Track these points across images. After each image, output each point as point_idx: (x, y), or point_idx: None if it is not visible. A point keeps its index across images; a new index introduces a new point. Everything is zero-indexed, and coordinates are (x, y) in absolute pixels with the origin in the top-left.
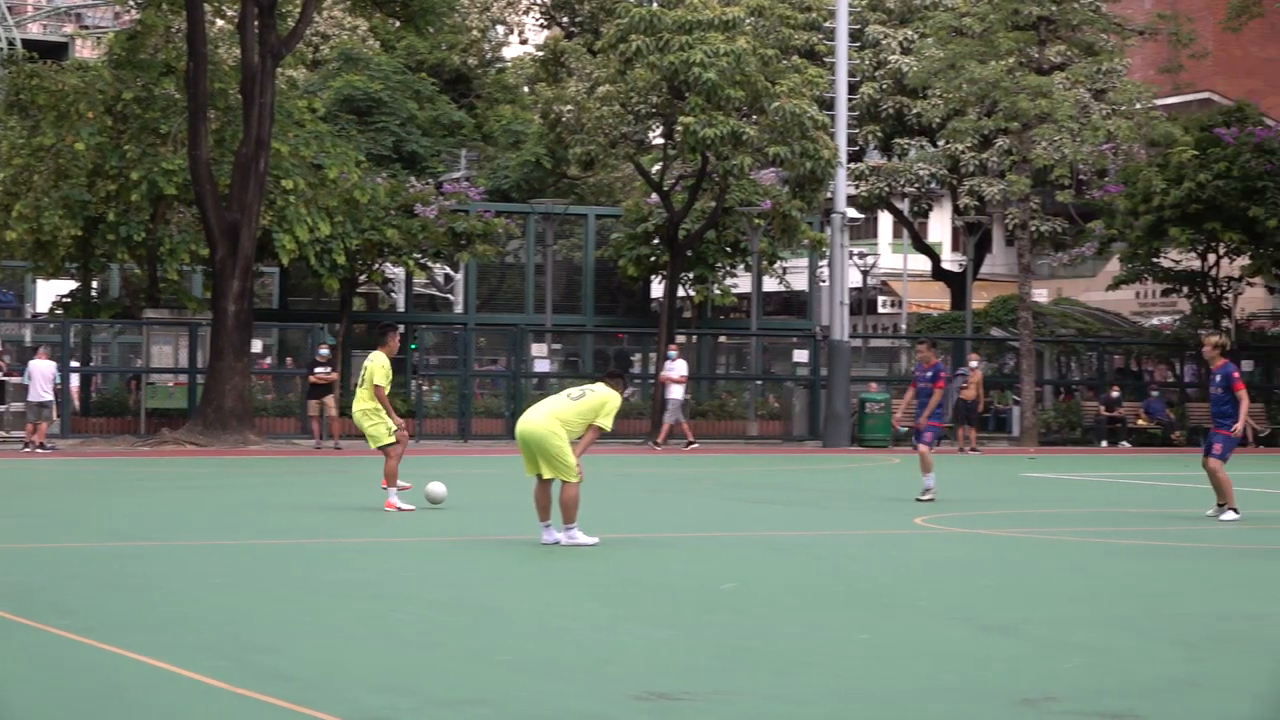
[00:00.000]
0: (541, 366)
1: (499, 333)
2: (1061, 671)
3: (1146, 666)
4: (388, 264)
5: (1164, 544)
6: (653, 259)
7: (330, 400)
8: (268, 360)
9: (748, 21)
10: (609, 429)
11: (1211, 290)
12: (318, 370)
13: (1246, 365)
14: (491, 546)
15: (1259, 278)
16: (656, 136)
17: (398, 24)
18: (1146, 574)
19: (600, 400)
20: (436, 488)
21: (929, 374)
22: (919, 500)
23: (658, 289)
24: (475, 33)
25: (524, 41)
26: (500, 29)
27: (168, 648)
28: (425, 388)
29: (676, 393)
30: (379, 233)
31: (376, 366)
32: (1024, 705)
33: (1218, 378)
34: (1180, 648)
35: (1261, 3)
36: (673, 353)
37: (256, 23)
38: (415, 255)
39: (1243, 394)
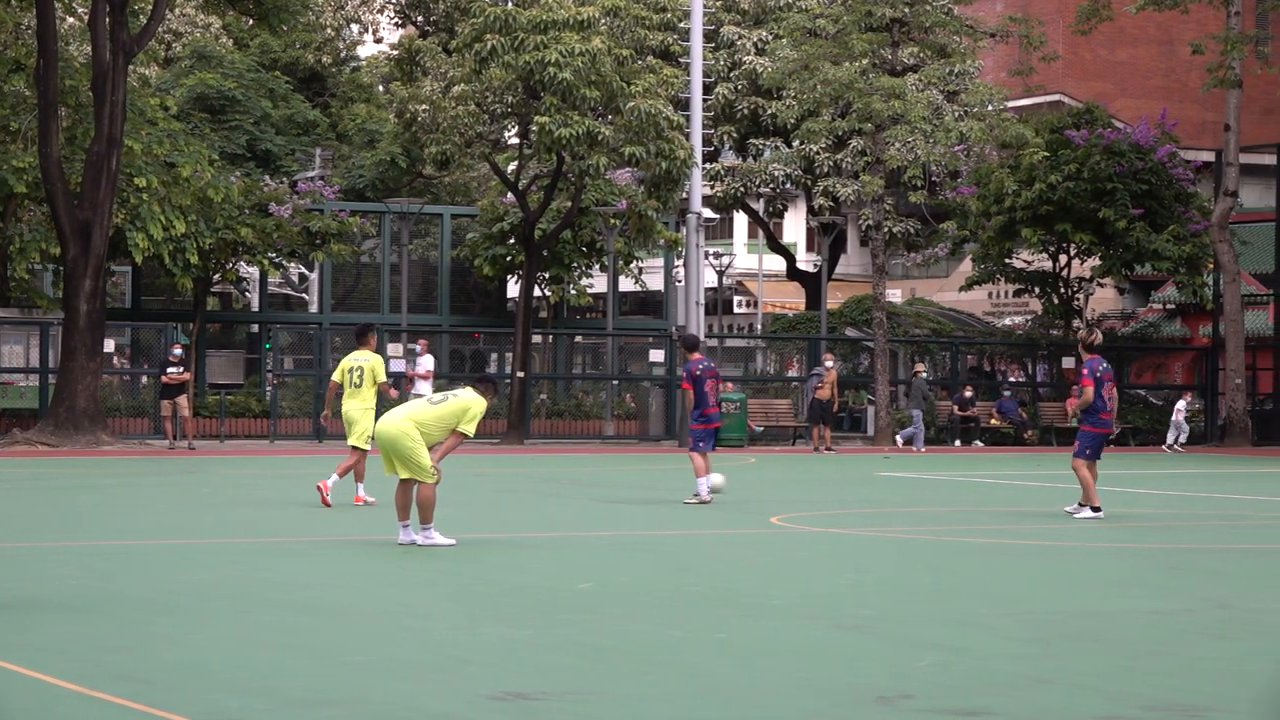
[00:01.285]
0: (396, 367)
1: (355, 333)
2: (916, 669)
3: (1000, 664)
4: (242, 263)
5: (1017, 542)
6: (509, 259)
7: (184, 400)
8: (118, 360)
9: (603, 21)
10: (471, 435)
11: (1063, 291)
12: (170, 370)
13: None
14: (348, 547)
15: (1109, 278)
16: (512, 136)
17: (251, 22)
18: (1000, 572)
19: (463, 406)
20: (718, 479)
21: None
22: (686, 503)
23: (514, 289)
24: (329, 31)
25: (379, 40)
26: (355, 27)
27: (17, 649)
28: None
29: (424, 389)
30: (233, 232)
31: (378, 364)
32: (880, 703)
33: (1084, 372)
34: (1033, 645)
35: (1111, 6)
36: (418, 347)
37: (108, 20)
38: (270, 254)
39: (1087, 389)
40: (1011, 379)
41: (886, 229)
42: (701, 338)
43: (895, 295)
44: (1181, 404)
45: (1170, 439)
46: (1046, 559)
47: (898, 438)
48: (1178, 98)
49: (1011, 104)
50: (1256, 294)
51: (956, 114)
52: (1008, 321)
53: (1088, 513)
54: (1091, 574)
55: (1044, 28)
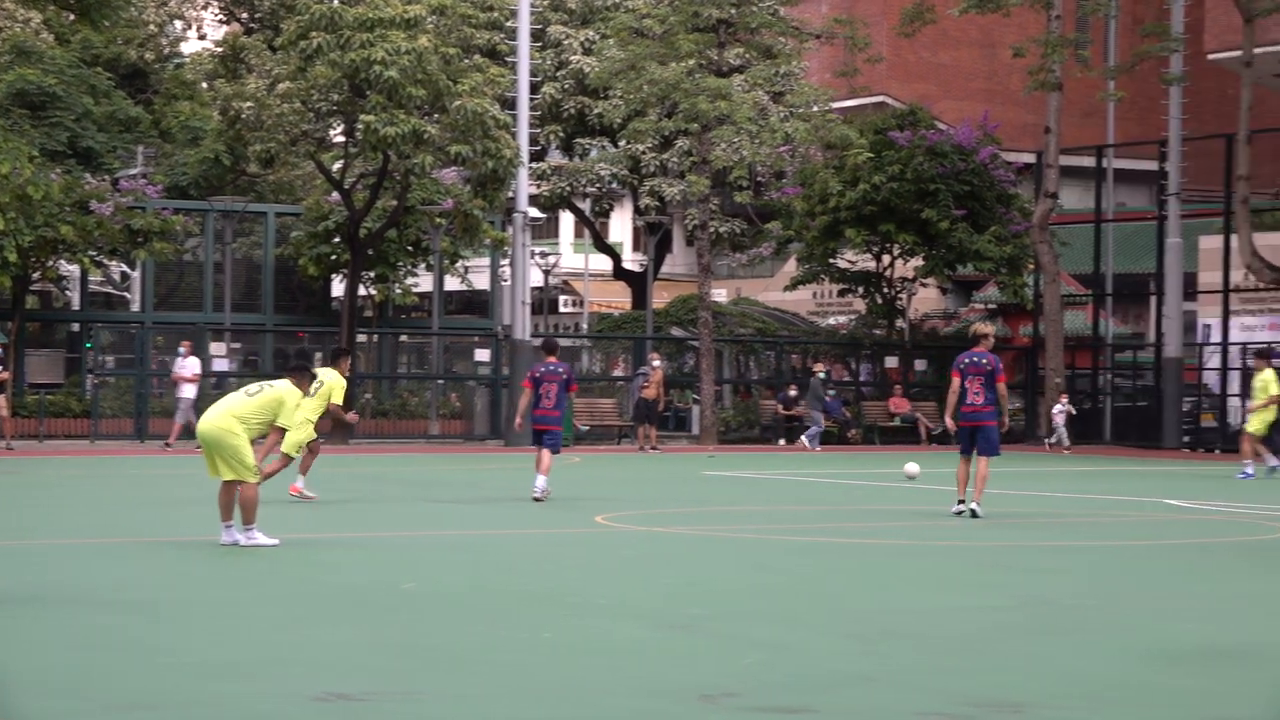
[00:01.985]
0: (220, 366)
1: (177, 331)
2: (739, 667)
3: (823, 661)
4: (62, 261)
5: (841, 541)
6: (333, 257)
7: (2, 400)
8: None
9: (429, 20)
10: (292, 427)
11: (886, 291)
12: None
13: (920, 365)
14: (170, 548)
15: (932, 278)
16: (337, 134)
17: (72, 17)
18: (823, 570)
19: (277, 396)
20: (912, 467)
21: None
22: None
23: (339, 288)
24: (152, 27)
25: (202, 37)
26: (178, 24)
27: None
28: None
29: (188, 392)
30: (53, 229)
31: (337, 386)
32: (703, 701)
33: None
34: (855, 642)
35: (934, 9)
36: (183, 349)
37: None
38: (91, 253)
39: (1001, 387)
40: (835, 378)
41: (712, 229)
42: (528, 337)
43: (721, 295)
44: (1058, 406)
45: (1053, 437)
46: (870, 557)
47: (804, 439)
48: (999, 100)
49: (836, 105)
50: (1076, 294)
51: (782, 115)
52: (831, 321)
53: (960, 506)
54: (914, 572)
55: (868, 30)
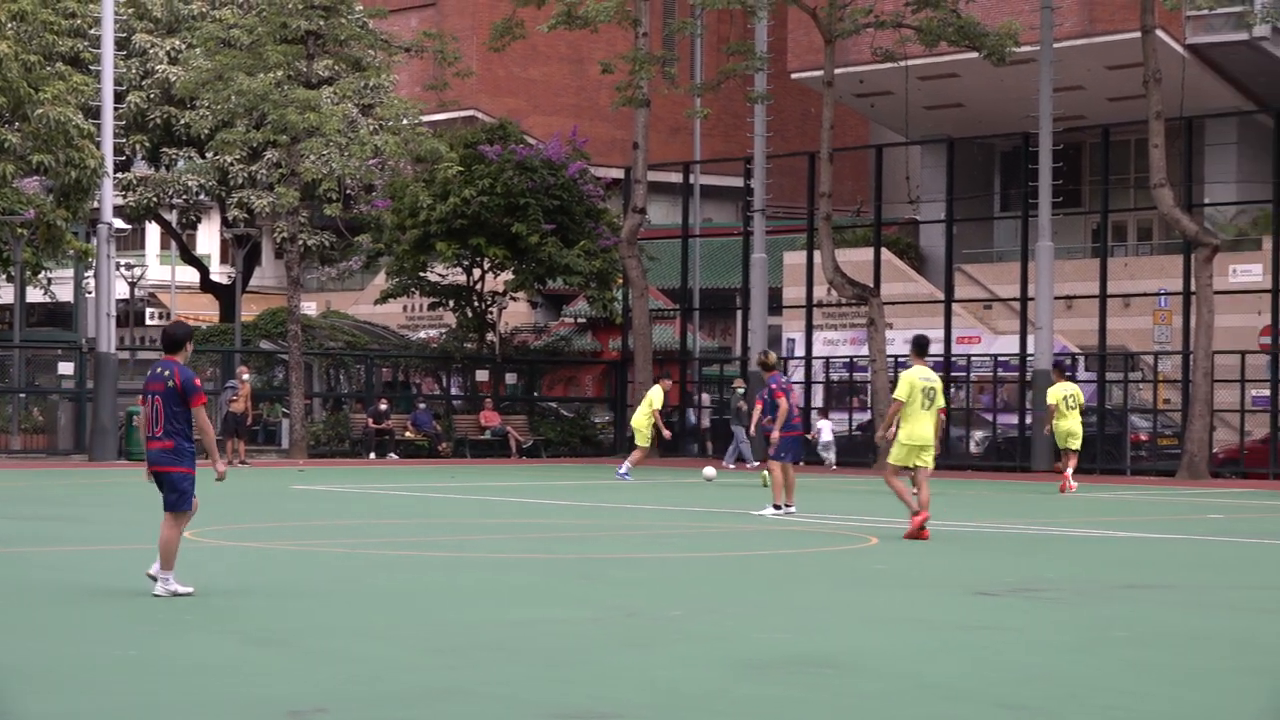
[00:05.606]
0: None
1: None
2: (330, 682)
3: (413, 675)
4: None
5: (430, 554)
6: None
7: None
8: None
9: (9, 26)
10: None
11: (476, 304)
12: None
13: (511, 379)
14: None
15: (522, 292)
16: None
17: None
18: (413, 584)
19: None
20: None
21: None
22: None
23: None
24: None
25: None
26: None
27: None
28: None
29: None
30: None
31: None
32: (292, 717)
33: (773, 388)
34: (446, 655)
35: (524, 24)
36: None
37: None
38: None
39: (780, 401)
40: (426, 392)
41: (301, 241)
42: (113, 349)
43: (310, 308)
44: (824, 423)
45: (828, 457)
46: (458, 570)
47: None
48: (588, 115)
49: (426, 118)
50: (664, 308)
51: (372, 127)
52: (422, 334)
53: (770, 510)
54: (502, 584)
55: (458, 44)
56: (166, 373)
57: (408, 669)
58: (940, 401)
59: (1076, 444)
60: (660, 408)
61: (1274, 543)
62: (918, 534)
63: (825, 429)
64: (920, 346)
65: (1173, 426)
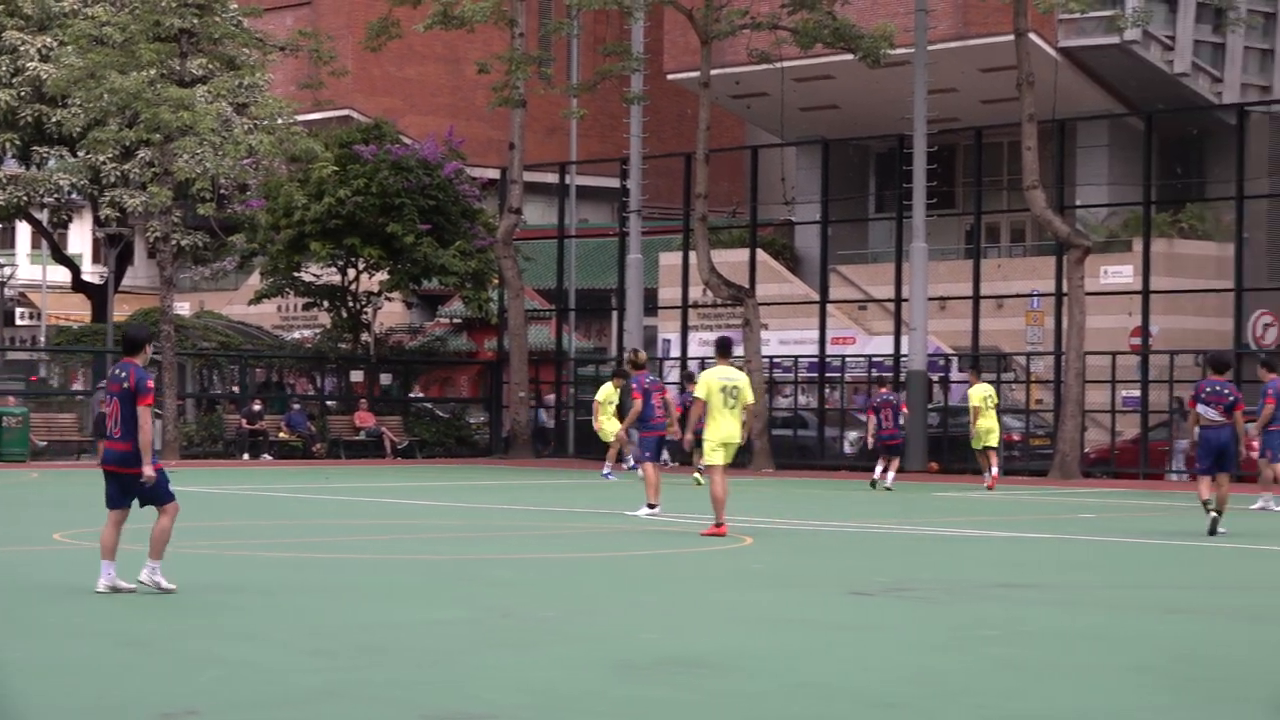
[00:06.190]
0: None
1: None
2: (200, 684)
3: (287, 677)
4: None
5: (306, 555)
6: None
7: None
8: None
9: None
10: None
11: (351, 304)
12: None
13: (386, 379)
14: None
15: (397, 292)
16: None
17: None
18: (289, 585)
19: None
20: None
21: None
22: None
23: None
24: None
25: None
26: None
27: None
28: None
29: None
30: None
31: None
32: (163, 719)
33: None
34: (321, 657)
35: (399, 24)
36: None
37: None
38: None
39: (636, 401)
40: (300, 392)
41: (175, 241)
42: None
43: (184, 308)
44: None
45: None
46: (334, 571)
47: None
48: (465, 115)
49: (301, 118)
50: (539, 309)
51: (246, 127)
52: (297, 335)
53: (645, 510)
54: (380, 586)
55: (334, 43)
56: (124, 374)
57: (283, 671)
58: (746, 398)
59: (995, 441)
60: (617, 401)
61: (1144, 542)
62: (718, 531)
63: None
64: (723, 347)
65: (1045, 427)
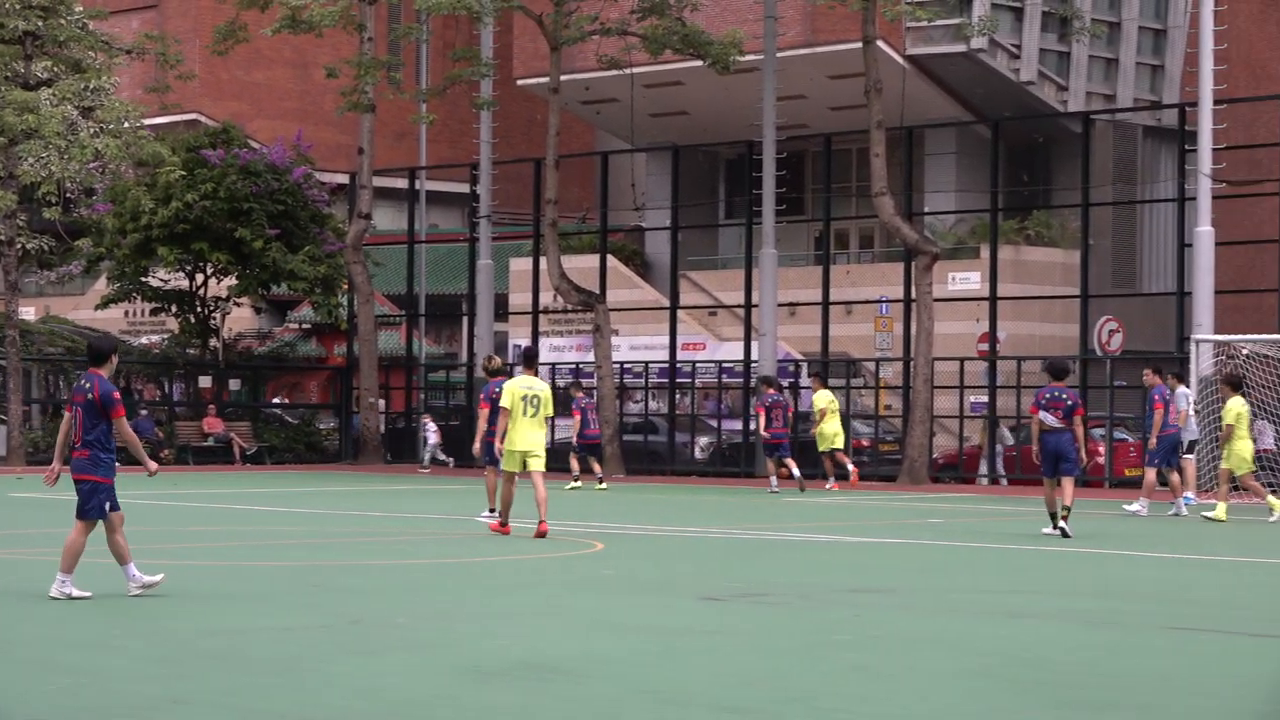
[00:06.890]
0: None
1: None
2: (45, 693)
3: (133, 685)
4: None
5: (152, 562)
6: None
7: None
8: None
9: None
10: None
11: (200, 309)
12: None
13: (234, 384)
14: None
15: (246, 298)
16: None
17: None
18: (119, 592)
19: None
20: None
21: None
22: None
23: None
24: None
25: None
26: None
27: None
28: None
29: None
30: None
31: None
32: None
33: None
34: (167, 665)
35: (247, 28)
36: None
37: None
38: None
39: (483, 411)
40: (148, 398)
41: (20, 245)
42: None
43: (29, 313)
44: (431, 426)
45: (426, 457)
46: (182, 578)
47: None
48: (313, 120)
49: (149, 121)
50: (389, 314)
51: (92, 130)
52: (145, 340)
53: (486, 514)
54: (226, 592)
55: (181, 46)
56: (88, 385)
57: (128, 679)
58: (547, 410)
59: (841, 442)
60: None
61: (991, 546)
62: (501, 530)
63: (432, 430)
64: (528, 358)
65: (894, 432)
